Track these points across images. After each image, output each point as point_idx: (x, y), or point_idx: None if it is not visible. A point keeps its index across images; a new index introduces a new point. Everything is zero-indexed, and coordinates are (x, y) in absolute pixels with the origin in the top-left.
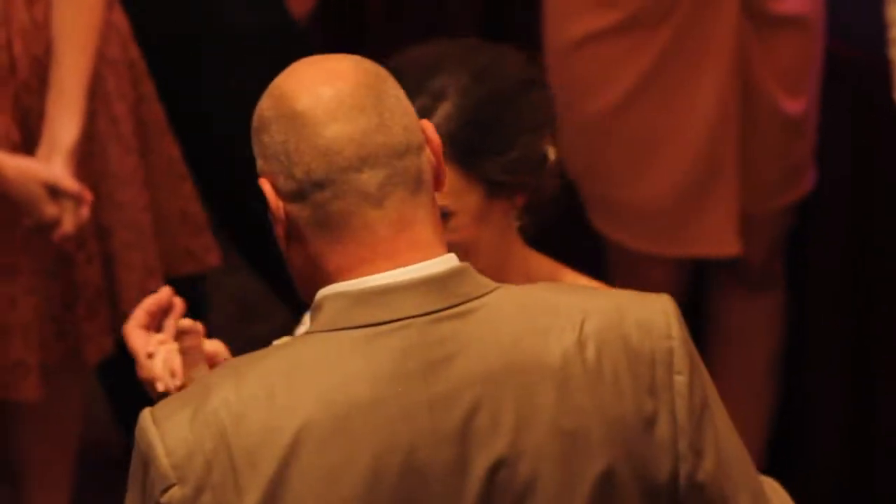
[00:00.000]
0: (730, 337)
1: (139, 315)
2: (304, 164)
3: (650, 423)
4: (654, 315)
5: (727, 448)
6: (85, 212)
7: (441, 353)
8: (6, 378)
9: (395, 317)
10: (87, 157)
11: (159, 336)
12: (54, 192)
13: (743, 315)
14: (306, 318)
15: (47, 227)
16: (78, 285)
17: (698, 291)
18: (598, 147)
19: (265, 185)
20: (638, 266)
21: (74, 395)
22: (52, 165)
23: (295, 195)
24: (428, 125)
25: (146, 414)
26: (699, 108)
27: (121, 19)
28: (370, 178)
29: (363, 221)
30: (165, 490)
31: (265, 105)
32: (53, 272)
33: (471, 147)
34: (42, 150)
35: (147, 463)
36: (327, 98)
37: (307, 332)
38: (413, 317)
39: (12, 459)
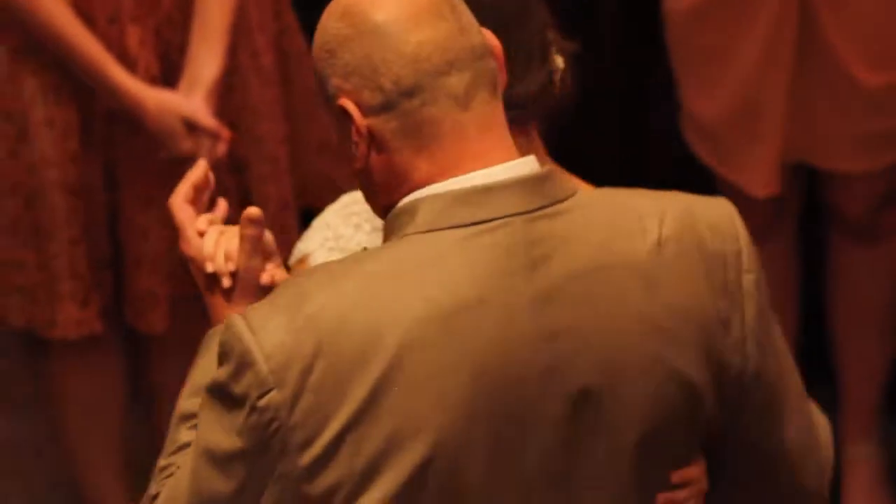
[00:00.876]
0: (841, 285)
1: (185, 189)
2: (392, 73)
3: (725, 323)
4: (722, 218)
5: (785, 353)
6: (221, 148)
7: (540, 251)
8: (136, 308)
9: (496, 215)
10: (227, 92)
11: (209, 215)
12: (192, 127)
13: (849, 265)
14: (380, 228)
15: (182, 161)
16: None
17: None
18: (675, 48)
19: (347, 104)
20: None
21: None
22: (192, 100)
23: (382, 107)
24: (488, 32)
25: (238, 321)
26: (750, 43)
27: None
28: (458, 82)
29: (452, 125)
30: (263, 395)
31: (337, 24)
32: None
33: None
34: (183, 84)
35: (241, 369)
36: (406, 7)
37: (404, 235)
38: (513, 215)
39: (147, 388)
